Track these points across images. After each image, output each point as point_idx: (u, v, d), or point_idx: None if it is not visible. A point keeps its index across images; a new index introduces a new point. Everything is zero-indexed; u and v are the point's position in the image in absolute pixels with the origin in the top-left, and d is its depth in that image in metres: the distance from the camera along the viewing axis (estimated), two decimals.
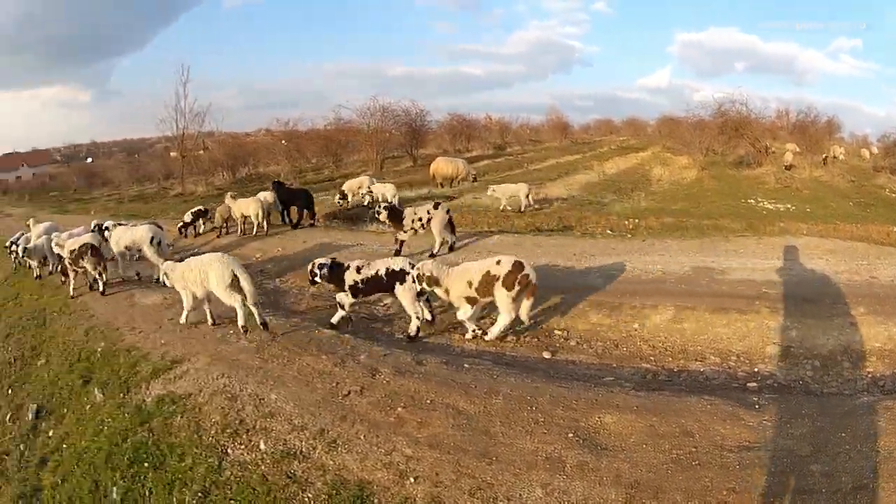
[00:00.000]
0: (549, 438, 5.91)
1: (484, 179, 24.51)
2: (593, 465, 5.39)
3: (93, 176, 62.70)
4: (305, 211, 19.57)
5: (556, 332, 9.54)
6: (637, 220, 15.67)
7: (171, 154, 59.99)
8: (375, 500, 5.41)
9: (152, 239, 13.28)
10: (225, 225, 19.85)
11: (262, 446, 6.47)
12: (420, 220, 13.69)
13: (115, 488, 6.55)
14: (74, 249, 13.04)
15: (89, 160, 76.30)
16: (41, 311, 13.83)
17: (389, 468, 5.74)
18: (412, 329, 9.47)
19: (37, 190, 66.60)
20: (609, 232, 15.03)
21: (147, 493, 6.33)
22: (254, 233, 18.75)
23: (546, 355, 8.81)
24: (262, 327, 9.53)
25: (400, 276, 9.21)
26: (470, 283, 8.77)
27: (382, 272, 9.36)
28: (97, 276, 13.16)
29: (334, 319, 9.81)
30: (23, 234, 18.75)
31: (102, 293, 13.17)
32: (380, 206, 14.44)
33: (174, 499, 6.11)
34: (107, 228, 14.43)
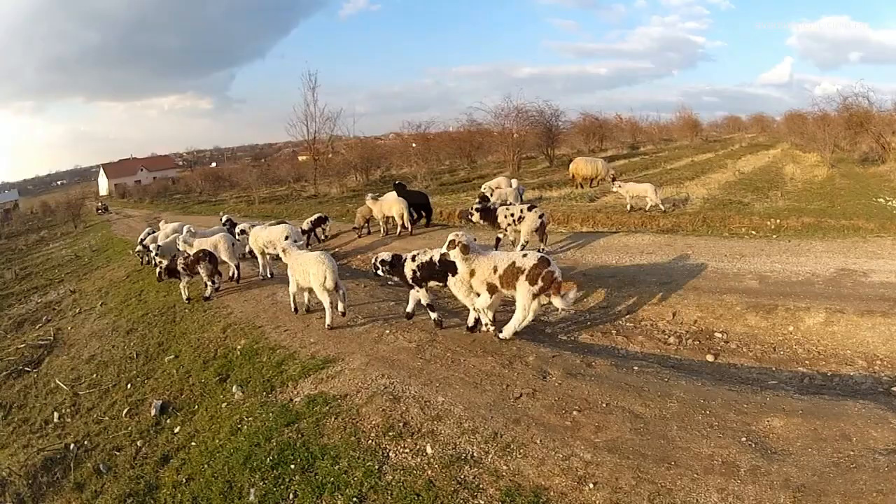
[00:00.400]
0: (723, 442, 5.73)
1: (622, 180, 23.71)
2: (765, 469, 5.21)
3: (219, 179, 64.82)
4: (423, 212, 19.38)
5: (717, 334, 9.25)
6: (778, 221, 14.95)
7: (300, 158, 61.39)
8: None
9: (287, 238, 12.83)
10: (366, 225, 19.80)
11: (429, 450, 6.18)
12: (513, 215, 13.50)
13: (252, 490, 6.28)
14: (189, 254, 13.38)
15: (213, 164, 78.90)
16: (170, 307, 14.05)
17: (567, 474, 5.47)
18: (470, 320, 9.31)
19: (158, 193, 69.41)
20: (753, 232, 14.55)
21: (291, 496, 6.04)
22: (397, 233, 18.45)
23: (709, 358, 8.59)
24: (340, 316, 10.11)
25: (452, 266, 9.04)
26: (495, 269, 8.59)
27: (436, 258, 9.24)
28: (208, 283, 13.49)
29: (433, 317, 9.65)
30: (151, 233, 19.30)
31: (208, 299, 13.48)
32: (471, 208, 14.32)
33: (323, 503, 5.83)
34: (243, 231, 14.66)
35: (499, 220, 13.67)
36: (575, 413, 6.50)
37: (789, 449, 5.55)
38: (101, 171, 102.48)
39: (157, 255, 15.41)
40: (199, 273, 13.43)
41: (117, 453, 8.42)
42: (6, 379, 12.82)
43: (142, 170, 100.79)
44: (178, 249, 14.50)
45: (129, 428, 9.07)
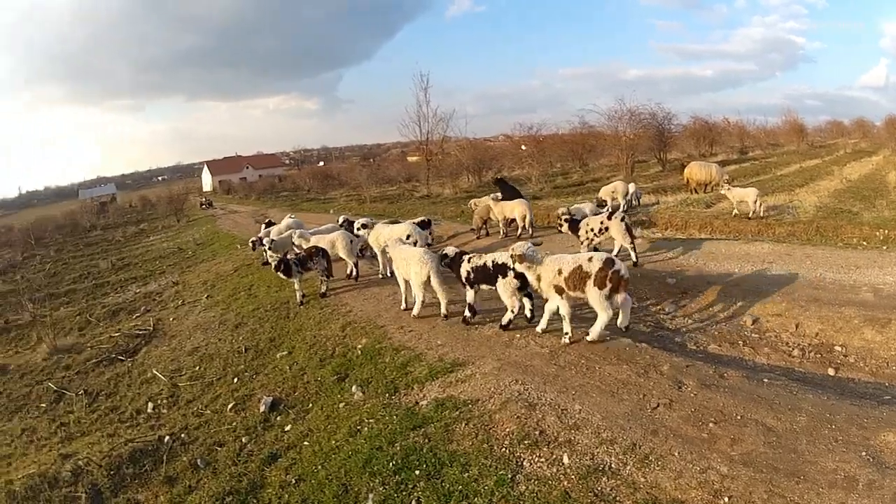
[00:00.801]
0: (846, 457, 5.52)
1: (736, 185, 23.21)
2: (878, 483, 5.08)
3: (327, 178, 65.36)
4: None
5: (836, 347, 8.85)
6: (886, 231, 14.40)
7: (409, 158, 61.74)
8: None
9: (408, 237, 12.91)
10: (484, 226, 19.29)
11: (566, 460, 5.85)
12: (593, 230, 13.16)
13: (371, 495, 6.00)
14: (302, 250, 13.31)
15: (321, 163, 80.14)
16: (283, 303, 13.91)
17: (703, 487, 5.22)
18: (504, 319, 9.50)
19: (265, 190, 70.23)
20: (864, 243, 13.90)
21: (413, 502, 5.78)
22: (518, 235, 17.62)
23: (830, 372, 8.26)
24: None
25: (502, 269, 9.23)
26: (560, 272, 8.57)
27: (489, 263, 9.41)
28: (323, 279, 13.36)
29: (505, 321, 9.56)
30: (271, 228, 19.06)
31: (324, 295, 13.29)
32: (560, 219, 13.95)
33: None
34: (364, 226, 14.04)
35: (579, 234, 13.43)
36: (711, 425, 6.26)
37: None
38: (206, 168, 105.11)
39: (269, 248, 15.42)
40: (311, 269, 13.24)
41: (218, 449, 8.16)
42: (95, 366, 12.80)
43: (248, 167, 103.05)
44: (293, 245, 14.55)
45: (234, 423, 8.85)
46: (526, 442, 6.25)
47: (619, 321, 8.70)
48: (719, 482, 5.21)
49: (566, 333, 8.74)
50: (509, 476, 5.76)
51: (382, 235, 13.68)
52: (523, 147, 43.82)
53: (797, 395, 6.84)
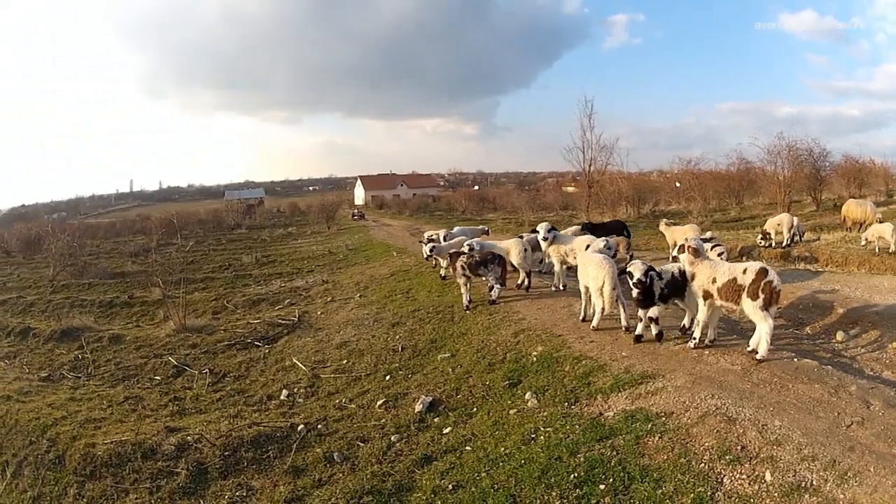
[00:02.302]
0: None
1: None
2: None
3: (482, 200, 66.02)
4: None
5: None
6: None
7: (565, 188, 61.87)
8: None
9: (587, 248, 12.05)
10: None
11: (768, 477, 5.36)
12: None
13: None
14: (473, 257, 12.60)
15: (476, 187, 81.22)
16: (447, 307, 13.24)
17: None
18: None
19: (418, 208, 70.93)
20: None
21: None
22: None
23: None
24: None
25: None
26: (714, 280, 8.49)
27: (678, 273, 9.11)
28: (495, 286, 12.61)
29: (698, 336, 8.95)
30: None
31: (494, 302, 12.55)
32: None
33: None
34: (553, 235, 13.50)
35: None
36: None
37: None
38: (359, 182, 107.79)
39: (431, 252, 14.77)
40: (481, 275, 12.64)
41: (361, 444, 7.56)
42: (226, 348, 12.55)
43: (402, 185, 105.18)
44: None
45: (384, 420, 8.29)
46: (727, 457, 5.76)
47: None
48: None
49: (694, 338, 8.75)
50: (709, 493, 5.33)
51: (563, 247, 13.20)
52: (678, 184, 43.20)
53: None
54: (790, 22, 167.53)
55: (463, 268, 12.47)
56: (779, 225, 19.93)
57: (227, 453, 7.24)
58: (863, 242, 17.12)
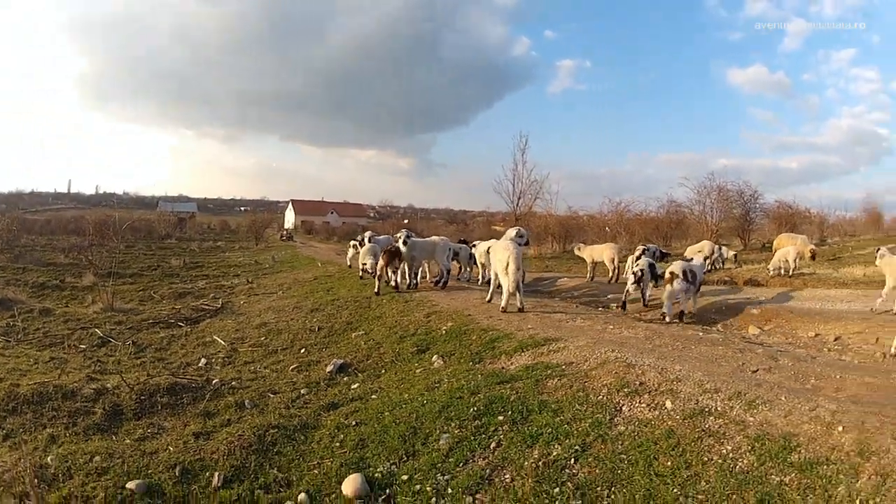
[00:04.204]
0: None
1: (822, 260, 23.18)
2: None
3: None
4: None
5: None
6: None
7: (494, 227, 62.74)
8: (802, 451, 4.72)
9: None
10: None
11: (669, 405, 5.73)
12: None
13: (445, 436, 5.69)
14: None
15: (406, 221, 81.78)
16: (365, 298, 13.84)
17: (815, 421, 5.09)
18: None
19: (347, 235, 71.16)
20: None
21: (493, 445, 5.47)
22: (608, 279, 19.03)
23: None
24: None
25: None
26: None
27: None
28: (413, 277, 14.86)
29: None
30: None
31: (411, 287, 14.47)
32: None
33: (535, 452, 5.21)
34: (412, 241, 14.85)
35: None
36: (812, 380, 6.54)
37: None
38: (290, 206, 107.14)
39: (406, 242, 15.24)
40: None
41: (271, 395, 7.70)
42: (150, 326, 12.68)
43: (333, 212, 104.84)
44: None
45: (295, 380, 8.48)
46: (625, 390, 6.13)
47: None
48: (830, 416, 5.12)
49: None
50: (607, 418, 5.63)
51: (480, 249, 15.10)
52: (607, 229, 43.44)
53: (889, 369, 7.43)
54: (738, 77, 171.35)
55: (391, 259, 13.93)
56: (700, 251, 20.66)
57: (142, 398, 7.31)
58: (771, 272, 17.98)
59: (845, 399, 5.71)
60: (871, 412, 5.11)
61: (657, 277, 14.30)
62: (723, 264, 22.33)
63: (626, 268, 17.27)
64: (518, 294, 11.01)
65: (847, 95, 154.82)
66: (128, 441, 6.10)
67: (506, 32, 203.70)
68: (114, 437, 6.28)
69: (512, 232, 12.37)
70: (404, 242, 14.14)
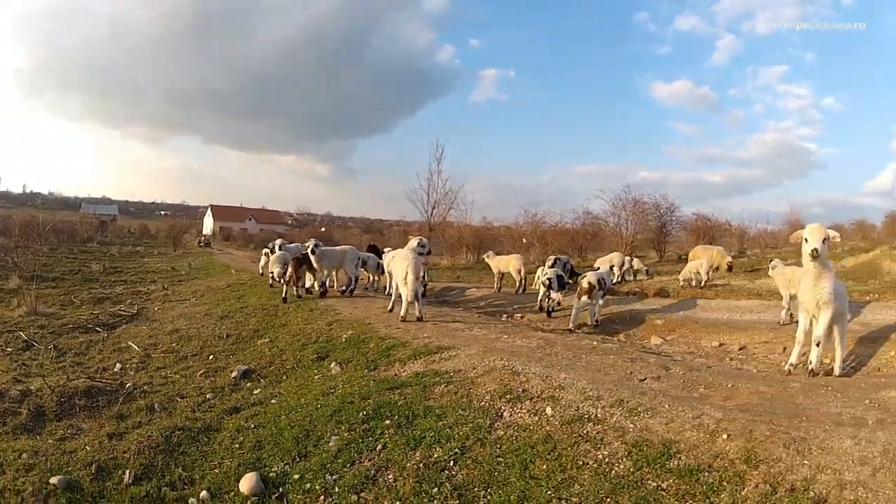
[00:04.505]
0: (849, 404, 5.95)
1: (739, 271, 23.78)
2: (891, 420, 5.30)
3: (327, 241, 66.38)
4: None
5: (825, 361, 8.96)
6: (876, 295, 14.96)
7: (410, 237, 62.86)
8: (683, 458, 4.87)
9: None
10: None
11: (549, 411, 5.90)
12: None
13: (334, 438, 5.90)
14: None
15: (322, 229, 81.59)
16: (273, 306, 14.38)
17: (699, 429, 5.23)
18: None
19: (263, 242, 71.03)
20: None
21: (379, 447, 5.66)
22: (515, 290, 19.48)
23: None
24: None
25: None
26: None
27: None
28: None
29: None
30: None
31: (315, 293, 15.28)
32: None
33: (417, 455, 5.42)
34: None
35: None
36: (701, 389, 6.72)
37: None
38: (209, 212, 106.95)
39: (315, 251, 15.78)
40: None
41: (179, 399, 8.03)
42: (71, 331, 12.83)
43: (251, 219, 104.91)
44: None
45: (202, 385, 8.81)
46: (507, 397, 6.32)
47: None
48: (715, 424, 5.23)
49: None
50: (487, 423, 5.82)
51: (387, 259, 14.61)
52: (524, 241, 43.86)
53: (788, 379, 7.49)
54: (663, 90, 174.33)
55: (299, 266, 14.96)
56: (610, 262, 21.23)
57: (63, 400, 7.61)
58: (681, 283, 18.35)
59: (733, 407, 5.86)
60: (761, 421, 5.26)
61: (565, 287, 15.11)
62: (634, 276, 22.88)
63: (535, 279, 17.78)
64: (417, 303, 11.41)
65: (775, 111, 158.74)
66: (50, 441, 6.33)
67: (432, 39, 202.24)
68: (38, 437, 6.50)
69: (413, 242, 12.66)
70: (312, 251, 14.58)
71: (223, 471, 5.52)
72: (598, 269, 18.28)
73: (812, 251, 7.33)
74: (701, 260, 19.22)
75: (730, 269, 21.18)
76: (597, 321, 13.08)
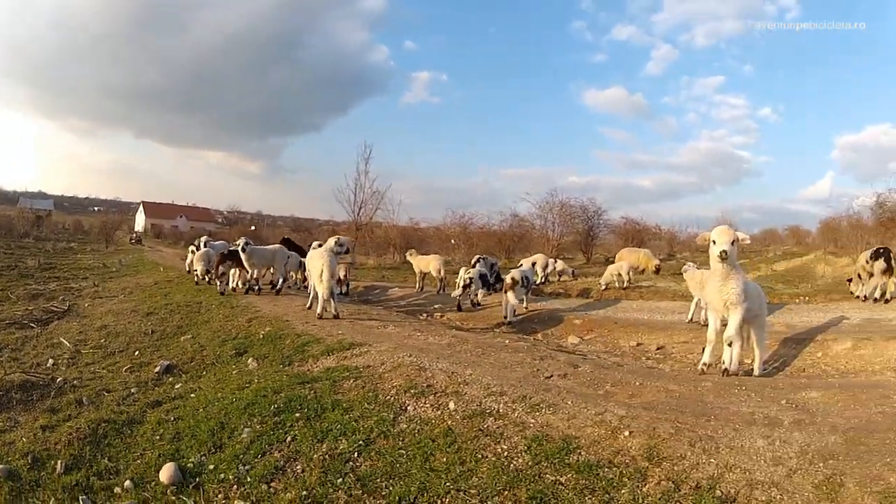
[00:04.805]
0: (763, 404, 6.05)
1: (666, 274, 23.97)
2: (808, 420, 5.44)
3: (256, 240, 66.12)
4: None
5: (745, 360, 9.19)
6: (807, 298, 15.76)
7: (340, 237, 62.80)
8: (583, 453, 4.98)
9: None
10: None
11: (452, 406, 6.11)
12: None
13: (246, 430, 6.07)
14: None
15: (252, 228, 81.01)
16: (197, 303, 14.92)
17: (601, 425, 5.38)
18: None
19: (193, 240, 70.55)
20: (779, 303, 15.05)
21: (288, 439, 5.84)
22: (437, 290, 20.02)
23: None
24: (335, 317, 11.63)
25: None
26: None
27: None
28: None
29: None
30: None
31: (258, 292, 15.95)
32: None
33: (324, 446, 5.58)
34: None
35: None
36: (608, 387, 6.79)
37: (831, 409, 5.88)
38: (141, 208, 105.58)
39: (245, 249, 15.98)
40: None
41: (106, 393, 8.27)
42: (6, 327, 12.99)
43: (181, 216, 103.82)
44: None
45: (127, 380, 9.01)
46: (412, 391, 6.56)
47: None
48: (617, 421, 5.39)
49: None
50: (391, 417, 6.01)
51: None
52: (453, 241, 44.22)
53: (700, 378, 7.55)
54: (596, 97, 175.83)
55: (219, 263, 15.80)
56: (533, 263, 21.30)
57: (0, 393, 7.95)
58: (603, 285, 18.72)
59: (638, 405, 5.98)
60: (665, 419, 5.39)
61: (489, 286, 15.95)
62: (559, 277, 23.47)
63: (458, 279, 17.95)
64: (333, 301, 11.80)
65: (710, 119, 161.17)
66: None
67: (367, 39, 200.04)
68: None
69: (332, 241, 12.74)
70: (243, 249, 14.89)
71: (145, 461, 5.72)
72: (521, 265, 18.83)
73: (721, 253, 7.47)
74: (622, 262, 19.66)
75: (657, 271, 21.73)
76: (510, 319, 13.58)
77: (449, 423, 5.74)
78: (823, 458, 4.56)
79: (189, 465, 5.50)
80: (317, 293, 12.04)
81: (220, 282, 15.87)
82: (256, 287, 15.94)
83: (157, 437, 6.30)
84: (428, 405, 6.20)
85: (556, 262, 23.98)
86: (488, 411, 5.87)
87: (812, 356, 9.54)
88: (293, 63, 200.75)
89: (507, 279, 13.75)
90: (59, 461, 5.66)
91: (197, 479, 5.26)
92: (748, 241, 7.94)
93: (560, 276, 23.61)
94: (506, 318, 13.52)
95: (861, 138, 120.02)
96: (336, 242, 12.52)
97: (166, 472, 5.24)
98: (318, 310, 11.74)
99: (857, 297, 14.91)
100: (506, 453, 5.08)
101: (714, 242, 7.64)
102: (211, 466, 5.46)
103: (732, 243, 7.57)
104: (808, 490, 4.16)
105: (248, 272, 15.91)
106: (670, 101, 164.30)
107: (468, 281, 15.14)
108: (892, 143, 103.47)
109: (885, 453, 4.55)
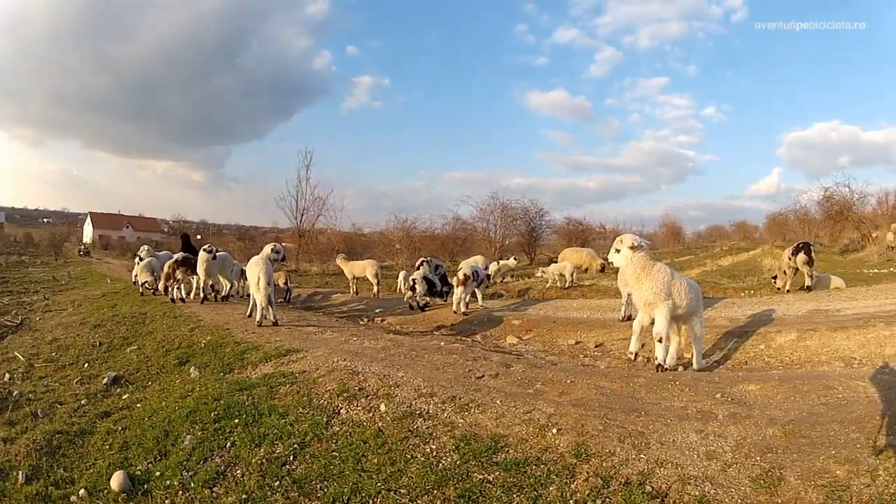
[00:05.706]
0: (697, 398, 6.15)
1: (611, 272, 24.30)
2: (745, 414, 5.54)
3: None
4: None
5: (686, 355, 9.31)
6: (752, 291, 15.90)
7: (284, 244, 62.32)
8: (511, 451, 5.17)
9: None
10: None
11: (383, 408, 6.35)
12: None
13: (189, 437, 6.25)
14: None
15: (199, 237, 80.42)
16: (142, 314, 15.14)
17: (529, 424, 5.59)
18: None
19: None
20: (723, 297, 15.00)
21: (228, 444, 6.04)
22: (373, 294, 20.73)
23: (681, 369, 8.77)
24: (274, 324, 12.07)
25: None
26: None
27: None
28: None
29: None
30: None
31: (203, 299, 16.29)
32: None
33: (261, 451, 5.78)
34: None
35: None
36: (538, 385, 6.92)
37: (769, 402, 5.95)
38: (89, 219, 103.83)
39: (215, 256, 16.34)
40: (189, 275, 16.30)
41: (59, 406, 8.48)
42: None
43: (128, 227, 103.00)
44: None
45: (77, 392, 9.20)
46: (345, 395, 6.82)
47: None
48: (546, 419, 5.61)
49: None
50: (325, 420, 6.23)
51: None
52: (397, 245, 44.36)
53: (633, 374, 7.58)
54: (538, 100, 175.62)
55: (174, 270, 15.95)
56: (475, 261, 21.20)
57: None
58: (548, 284, 19.15)
59: (568, 403, 6.12)
60: (595, 415, 5.56)
61: (434, 286, 16.33)
62: (502, 279, 23.68)
63: (399, 282, 18.68)
64: (271, 308, 12.14)
65: (653, 120, 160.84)
66: None
67: (310, 45, 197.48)
68: None
69: (268, 248, 12.84)
70: (214, 256, 15.36)
71: (97, 470, 5.89)
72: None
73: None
74: (564, 262, 19.99)
75: (602, 269, 22.05)
76: (463, 310, 14.22)
77: (380, 424, 5.98)
78: (761, 451, 4.70)
79: (137, 472, 5.68)
80: (256, 301, 12.24)
81: (174, 289, 16.18)
82: (213, 294, 16.30)
83: (107, 447, 6.52)
84: (360, 408, 6.45)
85: (498, 262, 24.46)
86: (418, 412, 6.11)
87: (754, 349, 9.56)
88: (237, 70, 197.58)
89: (459, 274, 14.09)
90: (20, 472, 5.87)
91: (145, 486, 5.44)
92: (648, 244, 8.29)
93: (503, 277, 23.93)
94: (455, 312, 14.04)
95: (809, 135, 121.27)
96: (272, 250, 12.68)
97: (116, 480, 5.43)
98: (258, 318, 12.02)
99: (779, 290, 15.64)
100: (435, 453, 5.29)
101: (618, 252, 8.16)
102: (157, 473, 5.63)
103: (631, 248, 7.98)
104: (744, 484, 4.28)
105: (201, 279, 16.11)
106: (614, 103, 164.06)
107: (412, 283, 15.57)
108: (841, 139, 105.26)
109: (830, 445, 4.69)
